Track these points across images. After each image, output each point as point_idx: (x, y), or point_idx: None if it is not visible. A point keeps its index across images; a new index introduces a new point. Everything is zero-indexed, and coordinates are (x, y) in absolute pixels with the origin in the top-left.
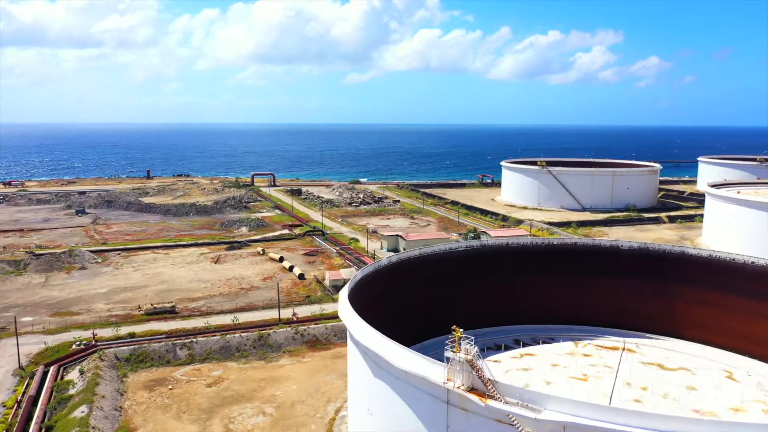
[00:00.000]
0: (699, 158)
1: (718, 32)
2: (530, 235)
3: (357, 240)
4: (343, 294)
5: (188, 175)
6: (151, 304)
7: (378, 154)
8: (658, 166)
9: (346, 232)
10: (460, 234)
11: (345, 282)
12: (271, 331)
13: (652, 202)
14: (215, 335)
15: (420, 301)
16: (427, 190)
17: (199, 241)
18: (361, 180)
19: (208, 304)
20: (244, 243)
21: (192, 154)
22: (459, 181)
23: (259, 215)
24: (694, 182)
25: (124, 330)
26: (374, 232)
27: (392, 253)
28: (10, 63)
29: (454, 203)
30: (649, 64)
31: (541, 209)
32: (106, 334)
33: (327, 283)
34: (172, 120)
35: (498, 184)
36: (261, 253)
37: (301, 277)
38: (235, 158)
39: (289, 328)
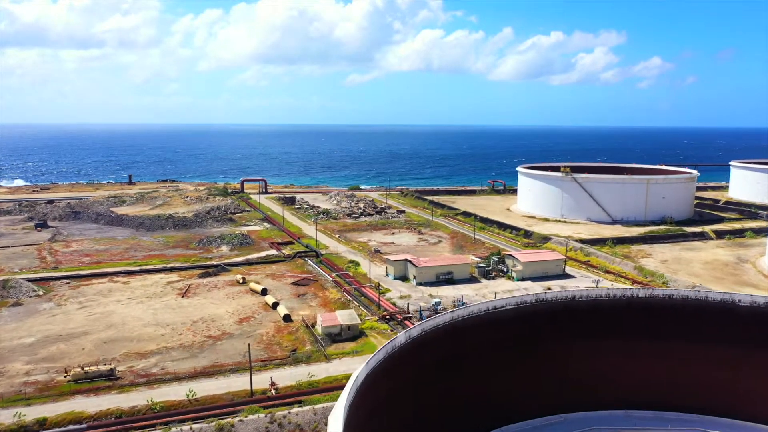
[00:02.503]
0: (731, 162)
1: (722, 33)
2: (566, 258)
3: (357, 264)
4: (334, 426)
5: (173, 181)
6: (82, 367)
7: (379, 156)
8: (695, 172)
9: (344, 252)
10: (481, 258)
11: (341, 329)
12: (237, 419)
13: (689, 214)
14: (155, 427)
15: (456, 389)
16: (434, 198)
17: (168, 266)
18: (362, 186)
19: (162, 362)
20: (221, 268)
21: (186, 156)
22: (468, 188)
23: (245, 229)
24: (723, 188)
25: (33, 412)
26: (377, 251)
27: (399, 282)
28: (11, 63)
29: (466, 214)
30: (651, 65)
31: (565, 221)
32: (7, 420)
33: (319, 329)
34: (172, 121)
35: (511, 191)
36: (241, 282)
37: (287, 319)
38: (230, 161)
39: (262, 414)
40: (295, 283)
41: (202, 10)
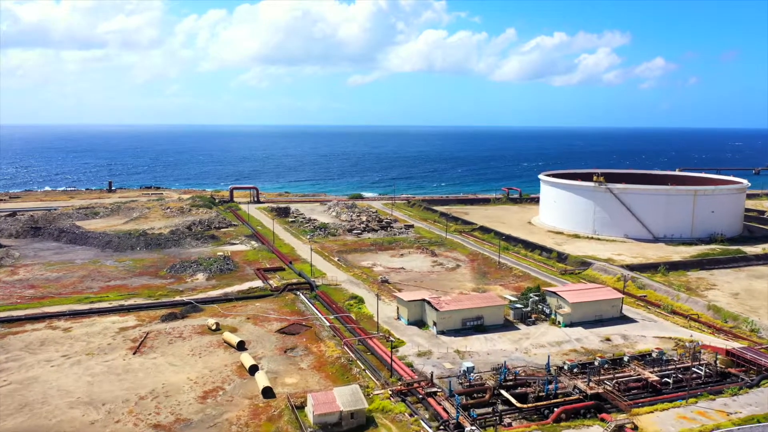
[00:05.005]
0: None
1: (725, 35)
2: (623, 297)
3: (361, 300)
4: None
5: (158, 188)
6: None
7: (381, 158)
8: (745, 182)
9: (344, 282)
10: (515, 296)
11: (341, 418)
12: None
13: (739, 229)
14: None
15: None
16: (444, 209)
17: (126, 303)
18: (363, 194)
19: None
20: (192, 306)
21: (182, 159)
22: (480, 196)
23: (228, 249)
24: (760, 196)
25: None
26: (384, 281)
27: (415, 328)
28: (12, 64)
29: (483, 230)
30: (654, 66)
31: (598, 239)
32: None
33: (310, 416)
34: (173, 122)
35: (529, 200)
36: (213, 329)
37: (267, 393)
38: (226, 164)
39: None
40: (282, 331)
41: (205, 10)
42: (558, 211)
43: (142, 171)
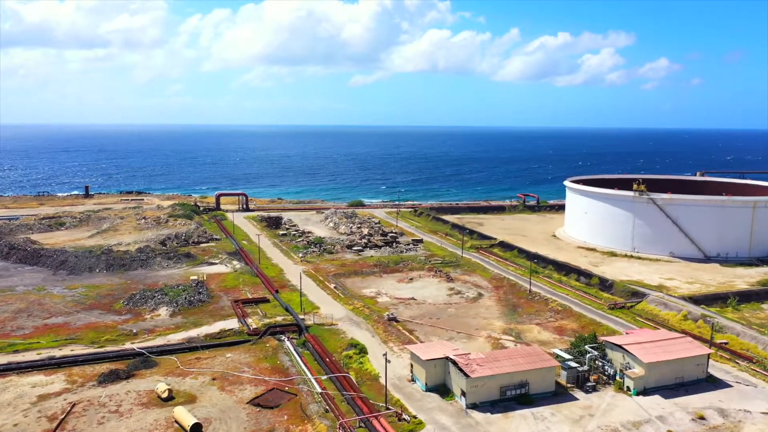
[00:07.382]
0: None
1: (730, 35)
2: (711, 346)
3: (362, 350)
4: None
5: (140, 193)
6: None
7: (384, 160)
8: None
9: (342, 320)
10: (566, 352)
11: None
12: None
13: None
14: None
15: None
16: (456, 218)
17: (57, 354)
18: (365, 201)
19: None
20: (142, 359)
21: (176, 160)
22: (494, 203)
23: (204, 271)
24: None
25: None
26: (392, 320)
27: (436, 398)
28: (14, 64)
29: (504, 246)
30: (658, 66)
31: (639, 257)
32: None
33: None
34: (173, 122)
35: (548, 208)
36: (164, 397)
37: None
38: (221, 166)
39: None
40: (257, 403)
41: (209, 10)
42: (589, 223)
43: (134, 173)
